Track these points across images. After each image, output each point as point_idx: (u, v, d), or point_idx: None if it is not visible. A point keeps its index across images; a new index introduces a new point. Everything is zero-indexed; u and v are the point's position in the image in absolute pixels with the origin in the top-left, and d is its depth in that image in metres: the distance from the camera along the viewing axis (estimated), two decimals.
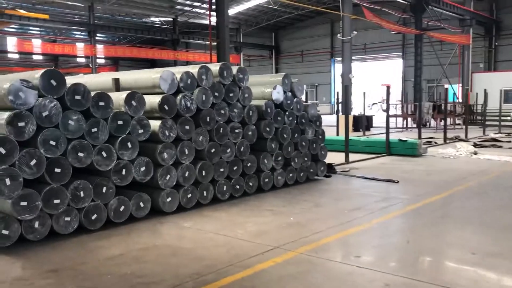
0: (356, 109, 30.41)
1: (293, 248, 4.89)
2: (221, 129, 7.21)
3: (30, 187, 5.21)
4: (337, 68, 42.63)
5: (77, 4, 35.09)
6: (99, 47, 37.58)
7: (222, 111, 7.24)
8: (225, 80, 7.28)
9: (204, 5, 35.53)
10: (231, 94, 7.38)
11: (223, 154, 7.28)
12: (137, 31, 39.75)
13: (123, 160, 5.98)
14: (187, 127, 6.72)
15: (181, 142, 6.67)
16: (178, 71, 6.80)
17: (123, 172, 5.99)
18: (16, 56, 46.59)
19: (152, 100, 6.45)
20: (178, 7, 37.82)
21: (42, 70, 5.30)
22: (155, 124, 6.41)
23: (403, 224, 6.09)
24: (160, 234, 5.63)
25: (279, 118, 8.19)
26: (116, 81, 6.77)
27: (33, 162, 5.12)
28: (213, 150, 7.10)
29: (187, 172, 6.75)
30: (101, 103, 5.77)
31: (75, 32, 45.58)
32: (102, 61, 49.42)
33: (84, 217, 5.63)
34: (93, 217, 5.71)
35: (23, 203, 5.06)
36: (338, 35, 22.03)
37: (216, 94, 7.14)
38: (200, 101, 6.86)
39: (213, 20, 17.57)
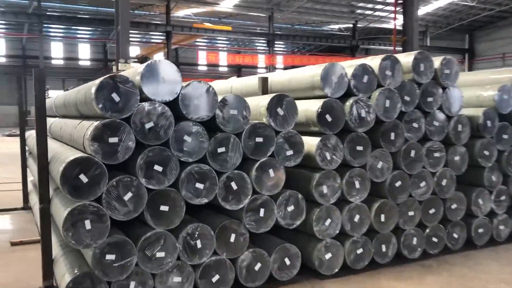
0: None
1: None
2: (413, 151, 4.78)
3: (122, 232, 3.61)
4: None
5: (258, 15, 35.56)
6: (278, 56, 37.54)
7: (415, 124, 4.80)
8: (421, 77, 4.83)
9: (387, 8, 32.59)
10: (429, 99, 4.88)
11: (415, 189, 4.83)
12: (315, 39, 38.68)
13: (262, 195, 4.04)
14: (359, 148, 4.48)
15: (350, 170, 4.46)
16: (349, 65, 4.62)
17: (261, 212, 4.04)
18: (205, 68, 49.86)
19: (308, 108, 4.38)
20: (359, 11, 35.57)
21: (145, 63, 3.66)
22: (310, 143, 4.33)
23: None
24: None
25: (504, 136, 5.34)
26: (264, 81, 4.89)
27: (128, 195, 3.49)
28: (398, 184, 4.71)
29: (358, 216, 4.50)
30: (232, 111, 3.91)
31: (257, 44, 46.73)
32: (281, 70, 49.84)
33: (202, 278, 3.84)
34: (215, 278, 3.88)
35: (110, 257, 3.45)
36: None
37: (407, 98, 4.74)
38: (381, 109, 4.56)
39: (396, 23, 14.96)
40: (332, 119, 4.34)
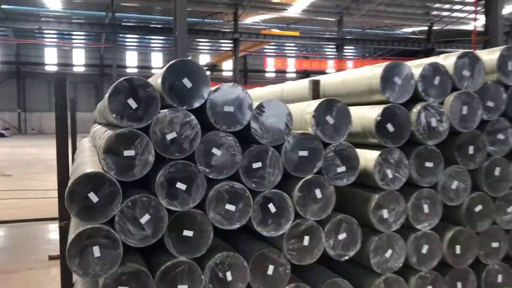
0: None
1: None
2: (497, 168, 3.90)
3: (137, 260, 3.11)
4: None
5: (327, 19, 34.77)
6: (348, 61, 36.44)
7: (501, 136, 3.92)
8: (509, 78, 3.94)
9: (466, 8, 30.54)
10: None
11: (500, 215, 3.94)
12: (387, 42, 37.14)
13: (307, 220, 3.38)
14: (429, 164, 3.69)
15: (417, 191, 3.68)
16: (417, 64, 3.85)
17: (306, 241, 3.39)
18: (273, 75, 49.63)
19: (365, 115, 3.67)
20: (435, 12, 33.70)
21: (169, 64, 3.15)
22: (368, 157, 3.62)
23: None
24: None
25: None
26: (314, 84, 4.25)
27: (145, 218, 2.99)
28: (478, 208, 3.86)
29: (426, 246, 3.71)
30: (270, 120, 3.31)
31: (326, 49, 45.78)
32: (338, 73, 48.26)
33: None
34: None
35: None
36: None
37: (490, 104, 3.88)
38: (456, 117, 3.74)
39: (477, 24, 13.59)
40: (395, 129, 3.60)
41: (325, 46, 42.82)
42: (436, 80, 3.73)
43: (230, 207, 3.19)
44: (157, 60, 46.42)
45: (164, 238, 3.05)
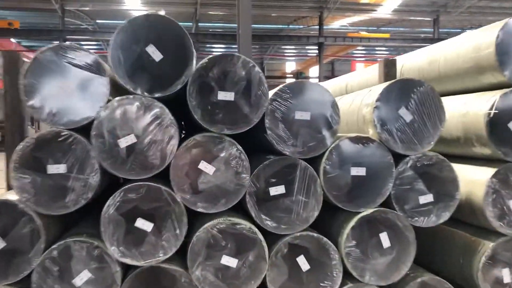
0: None
1: None
2: None
3: None
4: None
5: (421, 19, 32.19)
6: None
7: None
8: None
9: None
10: None
11: None
12: None
13: (364, 285, 1.99)
14: None
15: None
16: None
17: None
18: None
19: (469, 109, 2.18)
20: None
21: (128, 19, 1.94)
22: (474, 179, 2.13)
23: None
24: None
25: None
26: (388, 66, 2.80)
27: (83, 277, 1.81)
28: None
29: None
30: (300, 115, 1.97)
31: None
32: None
33: None
34: None
35: None
36: None
37: None
38: None
39: None
40: None
41: (420, 48, 39.94)
42: None
43: (231, 261, 1.91)
44: None
45: None
